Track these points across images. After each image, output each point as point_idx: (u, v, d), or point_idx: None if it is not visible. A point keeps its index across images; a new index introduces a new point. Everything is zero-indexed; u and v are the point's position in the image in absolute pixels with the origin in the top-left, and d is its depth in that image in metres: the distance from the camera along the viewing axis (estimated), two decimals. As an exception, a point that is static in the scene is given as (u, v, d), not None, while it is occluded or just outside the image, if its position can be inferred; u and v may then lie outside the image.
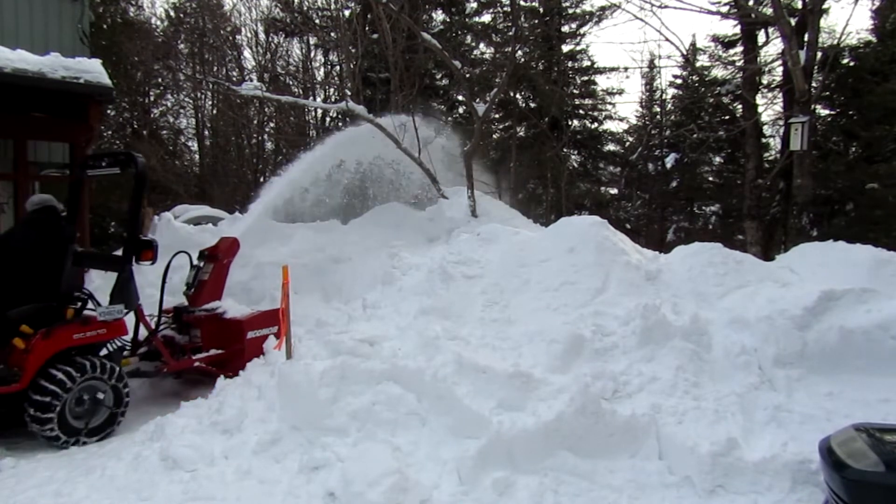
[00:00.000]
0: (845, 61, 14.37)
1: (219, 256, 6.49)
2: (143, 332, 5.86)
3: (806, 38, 10.61)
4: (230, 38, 20.25)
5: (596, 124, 21.38)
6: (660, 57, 25.47)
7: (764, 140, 16.65)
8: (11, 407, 4.80)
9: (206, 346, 6.15)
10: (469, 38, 19.05)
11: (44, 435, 4.78)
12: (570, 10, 19.52)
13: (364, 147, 10.25)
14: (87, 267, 6.00)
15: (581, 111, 21.13)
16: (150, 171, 16.34)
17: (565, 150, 19.35)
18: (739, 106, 15.78)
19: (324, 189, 10.76)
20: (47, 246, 5.22)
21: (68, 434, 4.84)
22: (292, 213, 10.37)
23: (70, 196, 6.22)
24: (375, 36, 14.88)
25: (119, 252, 5.72)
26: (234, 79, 19.33)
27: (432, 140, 10.28)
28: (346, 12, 15.54)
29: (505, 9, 17.73)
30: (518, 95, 18.60)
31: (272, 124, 19.76)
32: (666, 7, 10.77)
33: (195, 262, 6.56)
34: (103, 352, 5.48)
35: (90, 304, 5.47)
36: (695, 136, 19.06)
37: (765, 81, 15.13)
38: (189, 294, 6.42)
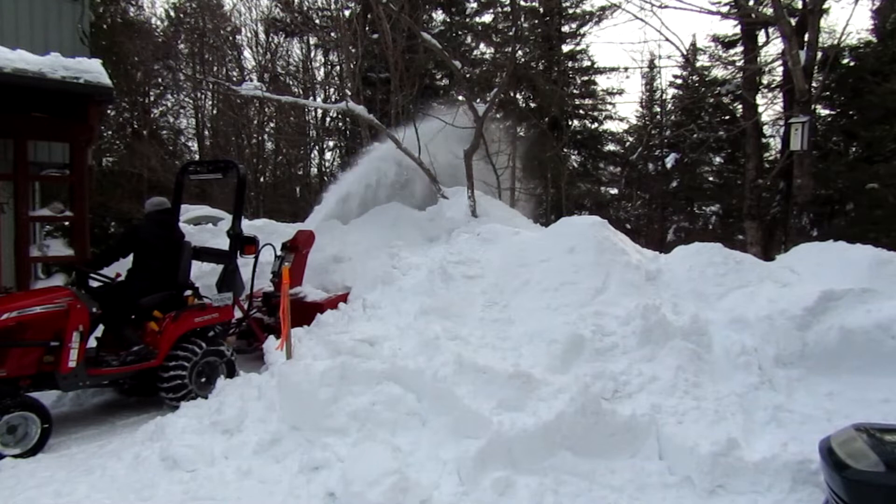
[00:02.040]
0: (845, 61, 14.37)
1: (299, 247, 7.39)
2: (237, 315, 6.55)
3: (806, 38, 10.61)
4: (230, 38, 20.26)
5: (596, 124, 21.41)
6: (660, 57, 25.54)
7: (764, 140, 16.66)
8: (144, 379, 5.58)
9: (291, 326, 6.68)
10: (469, 38, 19.05)
11: (174, 402, 5.43)
12: (570, 10, 19.56)
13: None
14: (201, 260, 6.80)
15: (581, 111, 21.16)
16: (151, 171, 16.47)
17: (565, 150, 19.35)
18: (739, 106, 15.79)
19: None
20: (169, 241, 6.01)
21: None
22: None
23: (174, 198, 6.95)
24: (375, 36, 14.87)
25: (227, 247, 6.46)
26: (234, 79, 19.34)
27: (434, 137, 10.31)
28: (346, 12, 15.54)
29: (505, 9, 17.72)
30: (518, 95, 18.60)
31: (272, 124, 19.78)
32: (666, 7, 10.75)
33: (279, 252, 7.40)
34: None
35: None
36: (695, 136, 19.09)
37: (765, 81, 15.16)
38: (275, 281, 7.19)
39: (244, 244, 6.39)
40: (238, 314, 6.61)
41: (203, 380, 5.74)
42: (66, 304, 5.02)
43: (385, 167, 10.56)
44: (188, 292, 6.04)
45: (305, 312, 6.77)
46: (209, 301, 6.01)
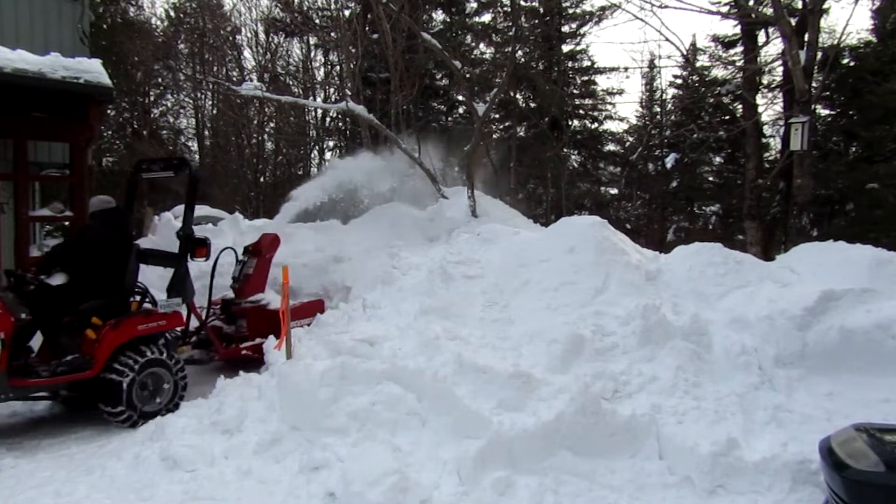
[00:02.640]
0: (845, 61, 14.37)
1: (262, 251, 6.98)
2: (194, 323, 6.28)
3: (806, 38, 10.60)
4: (230, 38, 20.26)
5: (596, 124, 21.42)
6: (660, 57, 25.51)
7: (764, 140, 16.66)
8: (83, 391, 5.26)
9: (252, 335, 6.57)
10: (469, 38, 19.05)
11: (112, 416, 5.14)
12: (570, 10, 19.55)
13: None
14: (147, 263, 6.31)
15: (581, 111, 21.16)
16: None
17: (565, 150, 19.35)
18: (739, 106, 15.78)
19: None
20: (118, 242, 5.62)
21: (135, 415, 5.16)
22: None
23: (127, 198, 6.68)
24: (375, 36, 14.87)
25: (176, 249, 6.10)
26: (234, 79, 19.34)
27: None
28: (346, 12, 15.54)
29: (505, 9, 17.73)
30: (518, 95, 18.61)
31: (272, 124, 19.79)
32: (666, 7, 10.75)
33: (240, 257, 7.06)
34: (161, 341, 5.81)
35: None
36: (695, 136, 19.08)
37: (765, 81, 15.15)
38: (235, 287, 6.89)
39: (195, 246, 6.00)
40: (194, 322, 6.27)
41: (146, 392, 5.32)
42: None
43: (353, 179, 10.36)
44: (135, 298, 5.65)
45: (269, 320, 6.38)
46: (155, 307, 5.65)
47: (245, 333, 6.65)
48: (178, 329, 6.02)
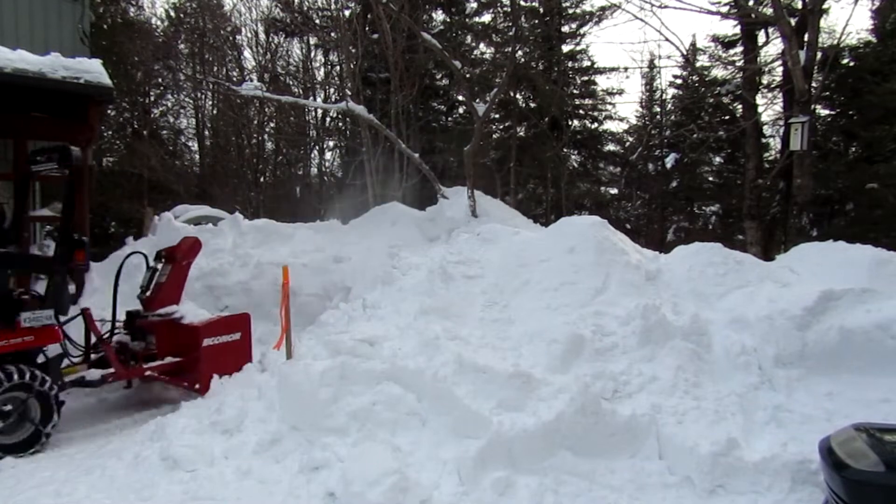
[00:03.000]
0: (845, 61, 14.37)
1: (178, 257, 6.14)
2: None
3: (806, 38, 10.61)
4: (230, 38, 20.24)
5: (596, 124, 21.38)
6: (660, 57, 25.57)
7: (764, 140, 16.65)
8: None
9: (162, 354, 5.82)
10: (469, 38, 19.04)
11: None
12: (570, 10, 19.52)
13: None
14: (13, 269, 5.59)
15: (581, 111, 21.12)
16: (151, 171, 16.45)
17: (565, 150, 19.35)
18: (739, 106, 15.77)
19: None
20: None
21: None
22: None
23: (19, 194, 5.90)
24: (375, 36, 14.88)
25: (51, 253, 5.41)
26: (235, 79, 19.32)
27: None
28: (346, 12, 15.54)
29: (505, 9, 17.72)
30: (518, 95, 18.60)
31: (272, 124, 19.77)
32: (666, 7, 10.77)
33: (151, 263, 6.27)
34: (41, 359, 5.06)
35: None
36: (695, 136, 19.07)
37: (765, 81, 15.15)
38: (144, 297, 6.05)
39: (72, 249, 5.11)
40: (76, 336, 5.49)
41: (11, 420, 4.60)
42: None
43: None
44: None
45: (182, 337, 5.82)
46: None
47: (153, 351, 5.82)
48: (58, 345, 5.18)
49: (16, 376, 4.60)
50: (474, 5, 19.13)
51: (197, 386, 5.64)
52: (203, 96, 20.98)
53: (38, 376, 4.73)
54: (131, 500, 3.85)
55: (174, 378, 5.82)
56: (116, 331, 5.89)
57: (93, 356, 5.60)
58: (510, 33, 13.52)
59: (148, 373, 5.69)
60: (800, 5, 12.28)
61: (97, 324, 5.58)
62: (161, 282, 6.09)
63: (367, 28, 14.48)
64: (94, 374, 5.42)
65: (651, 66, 22.75)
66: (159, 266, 6.21)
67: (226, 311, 7.64)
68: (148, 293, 6.07)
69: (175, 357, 5.81)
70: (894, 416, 3.95)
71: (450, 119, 19.62)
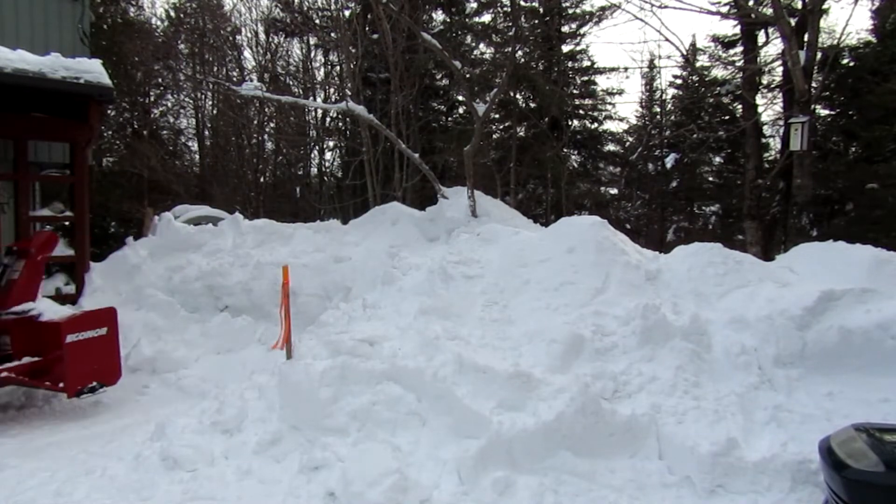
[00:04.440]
0: (845, 61, 14.37)
1: (31, 252, 5.81)
2: None
3: (806, 38, 10.62)
4: (230, 38, 20.25)
5: (596, 124, 21.38)
6: (660, 57, 25.62)
7: (764, 140, 16.66)
8: None
9: (18, 354, 5.53)
10: (469, 38, 19.03)
11: None
12: (570, 10, 19.52)
13: None
14: None
15: (581, 111, 21.12)
16: (151, 171, 16.46)
17: (565, 150, 19.34)
18: (739, 106, 15.79)
19: None
20: None
21: None
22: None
23: None
24: (375, 36, 14.88)
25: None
26: (235, 79, 19.33)
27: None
28: (346, 12, 15.54)
29: (505, 9, 17.71)
30: (518, 95, 18.60)
31: (272, 124, 19.76)
32: (666, 7, 10.78)
33: (3, 259, 5.95)
34: None
35: None
36: (695, 136, 19.08)
37: (765, 81, 15.15)
38: None
39: None
40: None
41: None
42: None
43: None
44: None
45: (40, 336, 5.56)
46: None
47: (8, 352, 5.55)
48: None
49: None
50: (474, 5, 19.13)
51: (61, 385, 5.43)
52: (203, 96, 20.99)
53: None
54: (132, 499, 3.85)
55: (35, 380, 5.46)
56: None
57: None
58: (510, 33, 13.52)
59: (5, 374, 5.27)
60: (800, 5, 12.29)
61: None
62: (14, 278, 5.72)
63: (367, 28, 14.48)
64: None
65: (651, 66, 22.80)
66: (10, 261, 5.85)
67: (225, 311, 7.67)
68: None
69: (33, 357, 5.52)
70: (894, 416, 3.95)
71: (450, 119, 19.61)
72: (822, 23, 12.39)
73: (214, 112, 21.18)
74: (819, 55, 11.37)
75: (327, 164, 20.66)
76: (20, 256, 5.83)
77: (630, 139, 23.24)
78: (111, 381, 5.81)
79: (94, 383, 5.64)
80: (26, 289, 5.72)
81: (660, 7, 10.85)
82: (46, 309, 5.74)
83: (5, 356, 5.50)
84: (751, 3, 13.27)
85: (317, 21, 17.70)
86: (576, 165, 21.07)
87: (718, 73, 16.75)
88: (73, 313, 5.75)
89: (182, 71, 19.84)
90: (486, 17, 19.11)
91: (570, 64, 20.46)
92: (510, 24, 15.61)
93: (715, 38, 17.00)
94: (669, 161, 21.49)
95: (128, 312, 7.02)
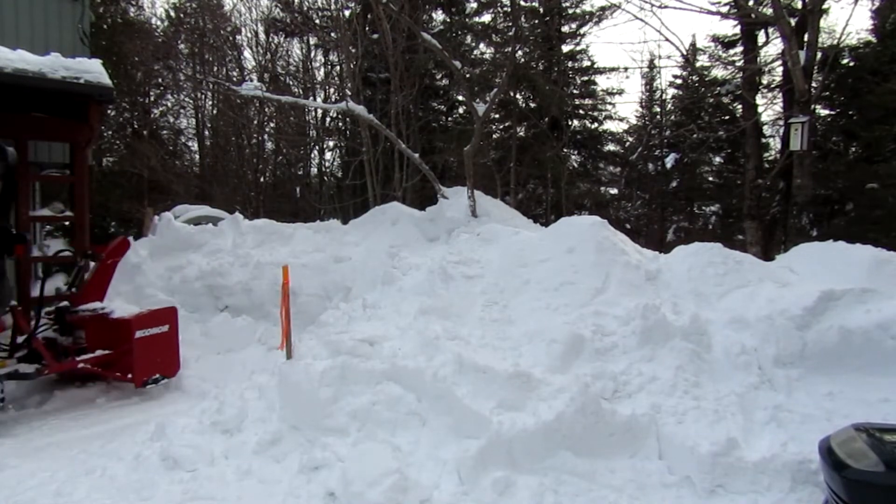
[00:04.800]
0: (845, 61, 14.37)
1: (103, 256, 6.39)
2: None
3: (806, 38, 10.62)
4: (230, 38, 20.25)
5: (596, 124, 21.39)
6: (660, 57, 25.61)
7: (764, 140, 16.66)
8: None
9: (92, 347, 6.04)
10: (469, 38, 19.04)
11: None
12: (570, 10, 19.53)
13: None
14: None
15: (581, 111, 21.13)
16: (151, 171, 16.47)
17: (565, 150, 19.35)
18: (739, 106, 15.78)
19: None
20: None
21: None
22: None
23: None
24: (375, 36, 14.88)
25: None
26: (235, 79, 19.33)
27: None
28: (346, 12, 15.54)
29: (505, 9, 17.72)
30: (518, 95, 18.60)
31: (272, 124, 19.76)
32: (666, 7, 10.78)
33: (79, 261, 6.53)
34: None
35: None
36: (695, 136, 19.09)
37: (765, 81, 15.16)
38: (69, 294, 6.31)
39: (13, 243, 5.39)
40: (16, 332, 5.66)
41: None
42: None
43: None
44: None
45: (112, 331, 6.05)
46: None
47: (83, 345, 6.11)
48: None
49: None
50: (474, 5, 19.14)
51: (129, 376, 5.92)
52: (203, 96, 21.00)
53: None
54: (132, 499, 3.85)
55: (107, 370, 6.02)
56: (43, 326, 5.98)
57: (21, 352, 5.65)
58: (510, 33, 13.52)
59: (81, 365, 5.82)
60: (800, 5, 12.29)
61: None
62: (88, 279, 6.31)
63: (367, 28, 14.48)
64: (29, 367, 5.53)
65: (651, 66, 22.81)
66: (84, 264, 6.46)
67: (225, 311, 7.68)
68: (74, 290, 6.32)
69: (105, 350, 6.01)
70: (894, 416, 3.95)
71: (450, 119, 19.62)
72: (822, 23, 12.39)
73: (214, 112, 21.18)
74: (819, 55, 11.37)
75: (327, 164, 20.67)
76: (94, 259, 6.44)
77: (630, 139, 23.25)
78: (171, 373, 6.24)
79: (157, 375, 6.10)
80: (98, 288, 6.31)
81: (660, 7, 10.86)
82: (117, 308, 6.25)
83: (80, 349, 6.04)
84: (751, 3, 13.27)
85: (317, 21, 17.71)
86: (576, 165, 21.07)
87: (718, 73, 16.78)
88: (141, 311, 6.20)
89: (182, 71, 19.85)
90: (486, 17, 19.14)
91: (570, 64, 20.47)
92: (510, 24, 15.61)
93: (715, 38, 17.01)
94: (669, 161, 21.49)
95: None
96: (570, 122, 20.28)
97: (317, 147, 19.84)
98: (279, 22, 19.31)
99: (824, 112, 15.37)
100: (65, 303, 6.20)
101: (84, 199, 7.94)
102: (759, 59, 13.67)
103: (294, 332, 5.41)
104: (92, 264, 6.46)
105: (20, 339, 5.66)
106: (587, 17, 18.81)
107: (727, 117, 17.82)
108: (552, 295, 5.48)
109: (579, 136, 20.88)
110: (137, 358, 5.86)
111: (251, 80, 16.71)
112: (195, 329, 7.39)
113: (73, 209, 8.00)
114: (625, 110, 47.39)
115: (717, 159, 21.40)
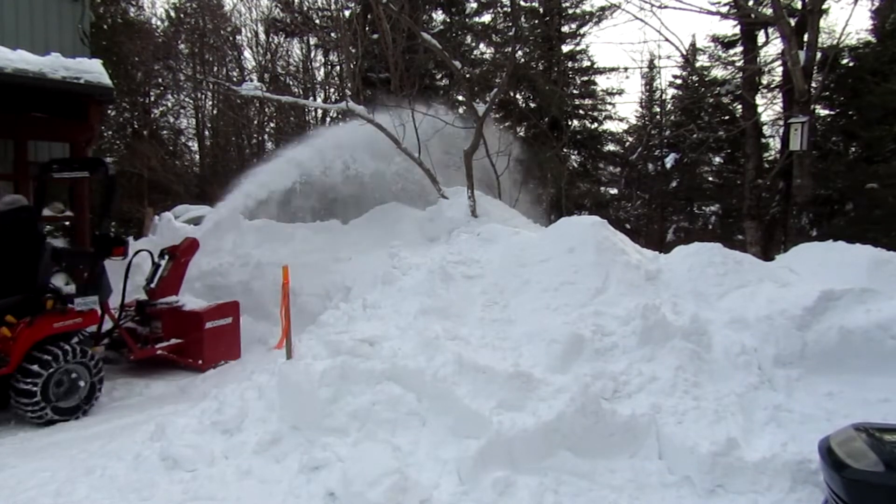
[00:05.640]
0: (845, 61, 14.36)
1: (177, 255, 7.19)
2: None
3: (806, 38, 10.61)
4: (230, 38, 20.27)
5: (596, 124, 21.38)
6: (660, 57, 25.58)
7: (764, 140, 16.64)
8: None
9: (167, 336, 6.87)
10: (469, 38, 19.04)
11: (27, 414, 5.27)
12: (570, 11, 19.53)
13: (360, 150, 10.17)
14: (62, 262, 6.26)
15: (581, 111, 21.12)
16: (151, 171, 16.47)
17: (565, 150, 19.34)
18: (739, 106, 15.77)
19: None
20: (25, 242, 5.69)
21: (50, 413, 5.35)
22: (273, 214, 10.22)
23: (36, 198, 6.73)
24: (375, 36, 14.86)
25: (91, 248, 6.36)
26: (235, 79, 19.35)
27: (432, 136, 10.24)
28: (346, 12, 15.53)
29: (505, 9, 17.73)
30: (518, 95, 18.60)
31: (272, 124, 19.78)
32: (666, 7, 10.77)
33: (156, 259, 7.25)
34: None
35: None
36: (695, 136, 19.07)
37: (765, 81, 15.15)
38: (149, 289, 7.09)
39: (112, 246, 6.23)
40: (107, 323, 6.42)
41: (61, 390, 5.47)
42: None
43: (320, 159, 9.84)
44: (47, 296, 5.69)
45: (184, 322, 6.86)
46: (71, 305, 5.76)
47: (160, 335, 6.87)
48: (89, 329, 6.11)
49: (74, 351, 5.52)
50: (474, 5, 19.14)
51: (200, 362, 6.78)
52: (203, 96, 21.01)
53: (88, 352, 5.68)
54: (132, 499, 3.85)
55: (180, 356, 6.85)
56: (125, 317, 6.79)
57: (105, 340, 6.46)
58: (510, 33, 13.53)
59: (159, 352, 6.69)
60: (800, 5, 12.29)
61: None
62: (164, 275, 7.10)
63: (367, 28, 14.46)
64: (114, 353, 6.52)
65: (651, 66, 22.81)
66: (162, 262, 7.20)
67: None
68: (153, 285, 7.08)
69: (178, 339, 6.85)
70: (894, 416, 3.95)
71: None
72: (822, 23, 12.39)
73: (214, 112, 21.19)
74: (819, 55, 11.36)
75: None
76: (170, 258, 7.21)
77: (630, 139, 23.24)
78: (234, 358, 7.11)
79: (223, 361, 6.97)
80: (172, 284, 7.15)
81: (660, 7, 10.85)
82: (188, 301, 7.11)
83: (157, 338, 6.86)
84: (751, 3, 13.27)
85: (317, 21, 17.71)
86: (576, 165, 21.07)
87: (718, 73, 16.76)
88: (210, 305, 7.10)
89: (182, 71, 19.86)
90: (486, 17, 19.15)
91: (570, 64, 20.48)
92: (510, 24, 15.62)
93: (715, 38, 17.00)
94: (669, 161, 21.48)
95: (128, 312, 7.04)
96: (570, 122, 20.28)
97: (317, 147, 19.82)
98: (279, 22, 19.33)
99: (824, 112, 15.36)
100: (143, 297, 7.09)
101: (84, 199, 7.95)
102: (758, 59, 13.67)
103: (294, 332, 5.41)
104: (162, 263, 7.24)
105: (106, 329, 6.42)
106: (587, 17, 18.83)
107: (727, 117, 17.80)
108: (552, 295, 5.48)
109: (579, 136, 20.88)
110: (207, 346, 6.77)
111: (251, 80, 16.72)
112: (195, 329, 7.37)
113: (73, 209, 8.02)
114: (625, 110, 47.42)
115: (717, 159, 21.38)
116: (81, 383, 5.57)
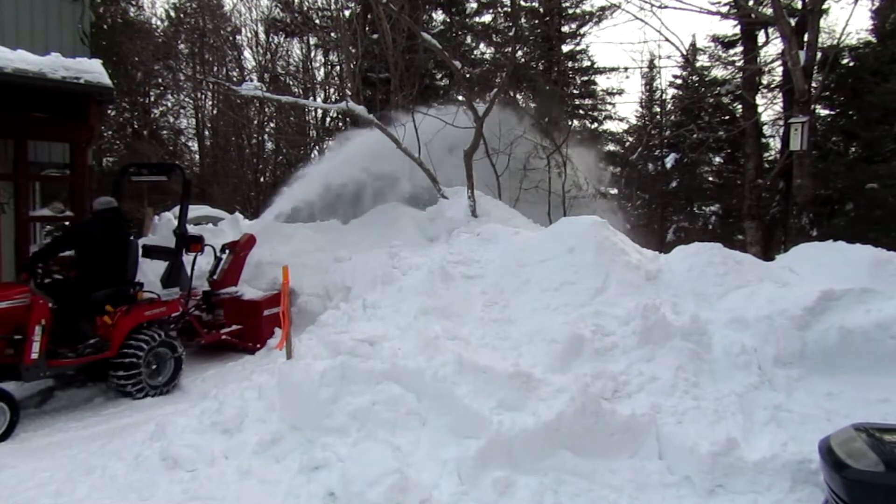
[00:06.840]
0: (845, 61, 14.36)
1: (237, 249, 7.83)
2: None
3: (806, 38, 10.61)
4: (230, 38, 20.27)
5: (596, 124, 21.38)
6: (660, 57, 25.59)
7: (764, 140, 16.64)
8: (95, 369, 6.03)
9: (229, 323, 7.56)
10: (469, 38, 19.04)
11: (127, 390, 5.96)
12: (570, 11, 19.54)
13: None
14: (151, 257, 7.23)
15: (581, 111, 21.12)
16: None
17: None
18: (739, 106, 15.78)
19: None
20: (116, 239, 6.32)
21: (146, 388, 6.06)
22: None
23: (114, 192, 7.32)
24: (375, 36, 14.86)
25: (174, 245, 7.04)
26: (235, 79, 19.35)
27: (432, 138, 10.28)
28: (346, 12, 15.53)
29: (505, 9, 17.72)
30: (518, 95, 18.59)
31: (272, 124, 19.78)
32: (666, 7, 10.78)
33: (218, 254, 7.83)
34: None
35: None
36: (695, 136, 19.05)
37: (765, 81, 15.14)
38: (212, 280, 7.72)
39: (190, 243, 7.01)
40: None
41: (152, 369, 6.18)
42: (29, 299, 5.30)
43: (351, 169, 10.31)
44: (137, 288, 6.41)
45: (243, 309, 7.55)
46: (158, 296, 6.45)
47: (222, 321, 7.57)
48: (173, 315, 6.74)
49: (162, 335, 6.20)
50: (474, 5, 19.14)
51: (258, 346, 7.35)
52: (203, 96, 21.02)
53: (173, 336, 6.41)
54: (132, 499, 3.85)
55: (239, 341, 7.45)
56: (192, 306, 7.31)
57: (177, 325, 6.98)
58: (510, 33, 13.52)
59: (224, 337, 7.35)
60: (800, 5, 12.28)
61: None
62: (225, 268, 7.73)
63: (367, 28, 14.47)
64: (185, 338, 6.93)
65: (651, 66, 22.80)
66: (223, 256, 7.80)
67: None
68: (215, 277, 7.71)
69: (237, 325, 7.52)
70: (894, 416, 3.96)
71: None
72: (822, 23, 12.39)
73: (214, 112, 21.20)
74: (819, 55, 11.36)
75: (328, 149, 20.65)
76: (230, 252, 7.81)
77: (630, 139, 23.24)
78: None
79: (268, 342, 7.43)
80: (232, 276, 7.78)
81: (660, 7, 10.86)
82: (245, 291, 7.78)
83: (220, 324, 7.55)
84: (751, 3, 13.26)
85: (317, 21, 17.71)
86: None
87: (718, 73, 16.74)
88: (265, 294, 7.75)
89: (182, 71, 19.87)
90: (486, 17, 19.15)
91: (570, 64, 20.48)
92: (510, 24, 15.62)
93: (715, 38, 16.99)
94: (669, 161, 21.46)
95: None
96: (570, 122, 20.27)
97: (317, 147, 19.85)
98: (279, 22, 19.33)
99: (824, 112, 15.36)
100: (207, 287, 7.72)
101: (84, 199, 7.95)
102: (759, 59, 13.67)
103: (294, 332, 5.41)
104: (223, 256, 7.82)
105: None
106: (587, 17, 18.84)
107: (727, 117, 17.80)
108: (552, 295, 5.48)
109: (579, 136, 20.87)
110: (264, 331, 7.41)
111: (251, 80, 16.71)
112: (195, 329, 7.39)
113: (73, 209, 8.02)
114: (625, 110, 47.40)
115: (717, 159, 21.36)
116: (168, 363, 6.27)
